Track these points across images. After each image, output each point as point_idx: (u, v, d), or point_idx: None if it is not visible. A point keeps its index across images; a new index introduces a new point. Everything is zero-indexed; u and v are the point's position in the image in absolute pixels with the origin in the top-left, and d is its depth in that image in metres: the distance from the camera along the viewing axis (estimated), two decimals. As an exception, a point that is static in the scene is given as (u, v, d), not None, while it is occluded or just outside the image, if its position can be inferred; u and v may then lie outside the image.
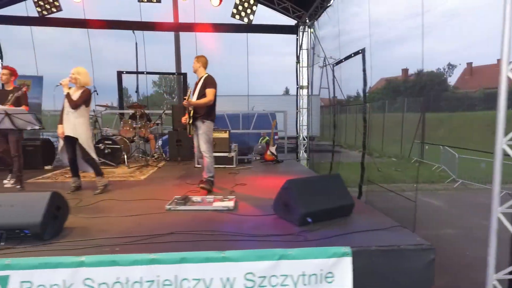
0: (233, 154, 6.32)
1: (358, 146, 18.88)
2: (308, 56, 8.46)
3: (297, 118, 8.86)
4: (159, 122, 7.12)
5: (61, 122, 4.01)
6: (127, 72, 8.23)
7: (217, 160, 6.24)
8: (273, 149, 7.00)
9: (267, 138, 9.76)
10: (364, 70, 5.10)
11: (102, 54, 8.91)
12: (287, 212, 3.00)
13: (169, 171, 5.98)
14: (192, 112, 4.28)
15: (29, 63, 8.28)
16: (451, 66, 37.97)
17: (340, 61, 6.07)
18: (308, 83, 8.58)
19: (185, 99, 4.25)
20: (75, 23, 7.91)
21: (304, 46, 8.43)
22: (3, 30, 7.98)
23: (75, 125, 3.94)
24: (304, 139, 8.72)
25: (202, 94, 4.25)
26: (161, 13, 9.88)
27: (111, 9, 8.28)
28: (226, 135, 6.29)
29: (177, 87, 10.74)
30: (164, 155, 7.20)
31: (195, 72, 4.43)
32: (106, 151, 6.12)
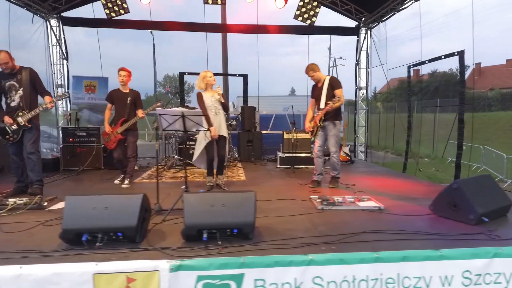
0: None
1: (382, 146, 18.93)
2: (368, 57, 8.53)
3: (355, 119, 8.93)
4: (235, 123, 7.17)
5: (212, 125, 4.12)
6: (189, 73, 8.30)
7: (300, 161, 6.34)
8: (346, 149, 7.07)
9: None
10: (461, 72, 5.16)
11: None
12: (455, 212, 3.06)
13: (258, 170, 6.07)
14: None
15: (93, 65, 8.37)
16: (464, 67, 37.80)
17: (423, 62, 6.13)
18: (366, 85, 8.65)
19: (328, 103, 4.26)
20: (142, 25, 7.98)
21: (364, 47, 8.50)
22: (70, 31, 8.05)
23: (224, 125, 4.09)
24: (362, 140, 8.77)
25: (331, 96, 4.33)
26: (211, 15, 9.92)
27: (174, 12, 8.35)
28: (308, 135, 6.35)
29: (223, 88, 10.78)
30: (236, 155, 7.26)
31: (318, 81, 4.50)
32: (190, 151, 6.18)
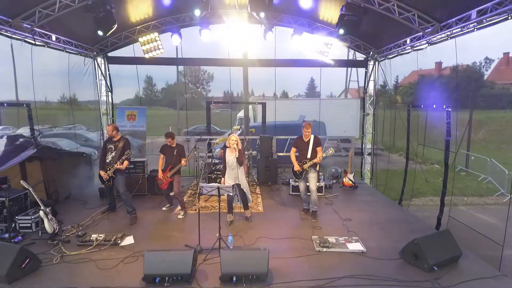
0: (322, 184, 7.49)
1: (396, 147, 19.39)
2: (374, 86, 9.45)
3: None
4: (255, 151, 8.35)
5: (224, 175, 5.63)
6: (215, 102, 9.48)
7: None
8: (351, 176, 8.14)
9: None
10: (448, 124, 6.07)
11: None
12: (416, 260, 4.18)
13: (274, 197, 7.28)
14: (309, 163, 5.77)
15: (131, 96, 9.69)
16: (488, 60, 37.04)
17: (419, 106, 7.05)
18: (374, 110, 9.58)
19: (318, 158, 5.72)
20: (174, 61, 9.20)
21: (372, 77, 9.41)
22: (114, 68, 9.43)
23: (240, 176, 5.51)
24: (369, 159, 9.76)
25: (314, 150, 5.77)
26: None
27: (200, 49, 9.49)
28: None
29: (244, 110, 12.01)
30: (256, 181, 8.47)
31: (308, 135, 5.81)
32: (217, 180, 7.44)
